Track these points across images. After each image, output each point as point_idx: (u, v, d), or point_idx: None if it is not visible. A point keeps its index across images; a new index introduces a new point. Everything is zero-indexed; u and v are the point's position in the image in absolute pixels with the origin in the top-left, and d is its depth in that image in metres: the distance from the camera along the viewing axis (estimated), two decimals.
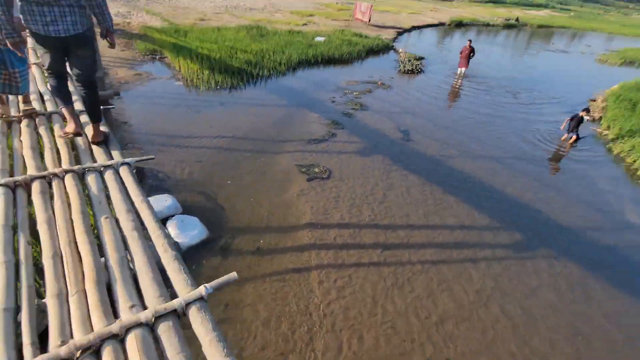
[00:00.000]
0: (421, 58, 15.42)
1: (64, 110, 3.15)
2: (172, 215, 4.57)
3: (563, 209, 5.99)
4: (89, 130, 3.24)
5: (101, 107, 3.17)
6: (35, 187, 2.34)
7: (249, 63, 10.81)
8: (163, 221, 4.48)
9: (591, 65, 19.51)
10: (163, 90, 8.72)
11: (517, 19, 35.75)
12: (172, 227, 4.35)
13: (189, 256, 4.14)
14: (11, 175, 2.45)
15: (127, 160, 2.57)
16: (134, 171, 2.96)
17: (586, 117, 8.47)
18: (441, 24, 28.65)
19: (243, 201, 5.17)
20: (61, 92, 3.03)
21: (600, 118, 10.40)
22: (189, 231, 4.34)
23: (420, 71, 13.46)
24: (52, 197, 2.35)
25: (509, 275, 4.49)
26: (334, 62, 13.30)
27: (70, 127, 3.18)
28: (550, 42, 26.57)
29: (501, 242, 5.07)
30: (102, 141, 3.24)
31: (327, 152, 6.80)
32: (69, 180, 2.44)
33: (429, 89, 11.54)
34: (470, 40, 12.85)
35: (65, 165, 2.65)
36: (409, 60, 14.23)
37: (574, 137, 8.36)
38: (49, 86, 3.21)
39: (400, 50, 16.23)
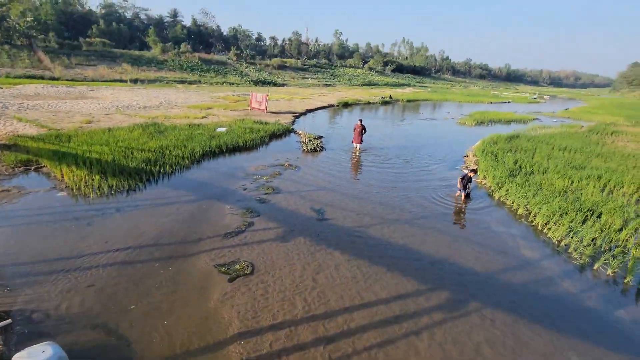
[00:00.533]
0: (320, 137, 16.70)
1: None
2: None
3: (475, 258, 6.48)
4: None
5: None
6: None
7: (148, 161, 10.17)
8: None
9: (454, 128, 23.62)
10: (41, 205, 7.45)
11: (390, 97, 42.45)
12: None
13: None
14: None
15: None
16: None
17: (474, 177, 9.73)
18: (330, 106, 32.18)
19: (154, 327, 4.31)
20: None
21: (476, 170, 12.27)
22: None
23: (322, 149, 14.43)
24: None
25: (452, 338, 4.45)
26: (239, 149, 13.44)
27: None
28: (420, 112, 31.82)
29: (434, 303, 5.11)
30: None
31: (247, 244, 6.39)
32: None
33: (333, 164, 12.31)
34: (360, 120, 14.49)
35: None
36: (310, 140, 15.25)
37: (464, 194, 9.46)
38: None
39: (300, 132, 17.40)
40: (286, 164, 11.69)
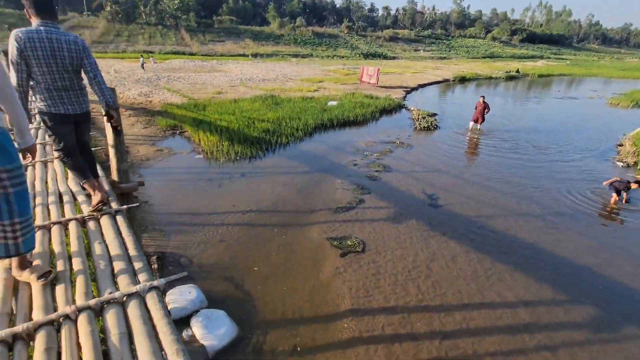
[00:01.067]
0: (434, 114, 15.57)
1: (86, 185, 3.29)
2: (197, 311, 4.05)
3: (632, 274, 5.25)
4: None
5: (125, 205, 2.91)
6: (40, 339, 1.77)
7: (267, 131, 10.91)
8: (186, 319, 3.97)
9: (603, 110, 19.43)
10: (183, 165, 8.68)
11: (517, 71, 37.00)
12: (197, 327, 3.81)
13: None
14: (11, 320, 1.98)
15: (154, 283, 2.04)
16: (163, 296, 2.44)
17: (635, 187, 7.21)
18: (445, 81, 29.71)
19: (273, 287, 4.64)
20: (78, 167, 3.27)
21: (636, 163, 9.87)
22: (216, 330, 3.79)
23: (436, 127, 13.43)
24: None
25: None
26: (349, 124, 13.44)
27: (96, 198, 3.20)
28: (556, 90, 27.00)
29: (575, 319, 4.33)
30: (101, 202, 3.17)
31: (358, 221, 6.37)
32: (82, 322, 1.88)
33: (449, 145, 11.35)
34: (483, 97, 12.92)
35: (79, 300, 2.08)
36: (423, 117, 14.33)
37: (617, 197, 7.37)
38: (67, 167, 3.33)
39: (412, 108, 16.49)
40: (397, 142, 11.23)
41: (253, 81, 22.13)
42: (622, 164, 9.90)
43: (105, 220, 2.80)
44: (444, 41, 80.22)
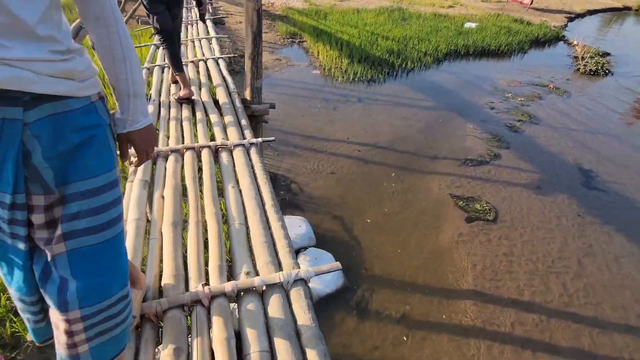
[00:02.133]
0: (606, 54, 11.93)
1: (179, 77, 3.37)
2: (305, 248, 3.83)
3: None
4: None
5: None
6: (188, 156, 2.64)
7: (391, 52, 9.57)
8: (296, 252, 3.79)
9: None
10: (300, 79, 8.19)
11: None
12: (305, 266, 3.61)
13: (320, 308, 3.35)
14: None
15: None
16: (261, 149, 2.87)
17: None
18: (626, 8, 22.48)
19: (386, 240, 4.16)
20: (175, 58, 3.29)
21: None
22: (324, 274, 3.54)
23: (608, 72, 10.29)
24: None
25: None
26: (489, 54, 11.11)
27: (184, 92, 3.41)
28: None
29: None
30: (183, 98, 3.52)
31: (490, 181, 5.29)
32: (205, 154, 2.66)
33: (624, 100, 8.63)
34: None
35: (202, 141, 2.86)
36: (591, 57, 11.06)
37: None
38: (166, 52, 3.30)
39: (576, 43, 12.84)
40: (550, 86, 8.92)
41: None
42: None
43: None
44: None
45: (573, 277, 3.89)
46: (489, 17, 14.59)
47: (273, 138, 2.80)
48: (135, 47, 5.11)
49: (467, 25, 12.99)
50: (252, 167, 2.53)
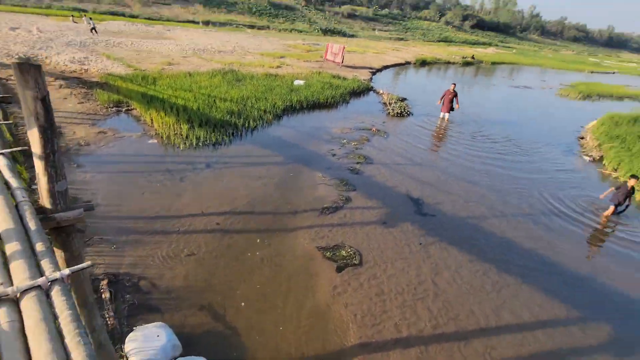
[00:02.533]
0: (404, 99, 15.12)
1: None
2: None
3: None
4: None
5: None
6: None
7: (232, 113, 9.65)
8: None
9: (555, 101, 20.39)
10: (135, 152, 7.26)
11: (472, 57, 38.01)
12: None
13: None
14: None
15: (56, 275, 1.13)
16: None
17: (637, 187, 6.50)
18: (407, 63, 29.53)
19: (264, 319, 3.80)
20: None
21: (601, 158, 10.23)
22: None
23: (409, 114, 12.98)
24: None
25: None
26: (319, 106, 12.50)
27: None
28: (511, 78, 28.04)
29: (597, 340, 4.05)
30: None
31: (348, 225, 5.64)
32: None
33: (425, 135, 10.95)
34: (454, 84, 12.55)
35: None
36: (395, 102, 13.80)
37: (613, 208, 6.76)
38: None
39: (382, 92, 15.89)
40: (373, 129, 10.58)
41: (208, 52, 20.03)
42: (588, 158, 10.20)
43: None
44: (401, 22, 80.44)
45: (433, 298, 4.35)
46: (313, 75, 16.67)
47: (89, 264, 1.68)
48: None
49: (296, 82, 14.46)
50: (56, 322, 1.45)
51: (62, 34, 19.54)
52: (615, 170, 9.23)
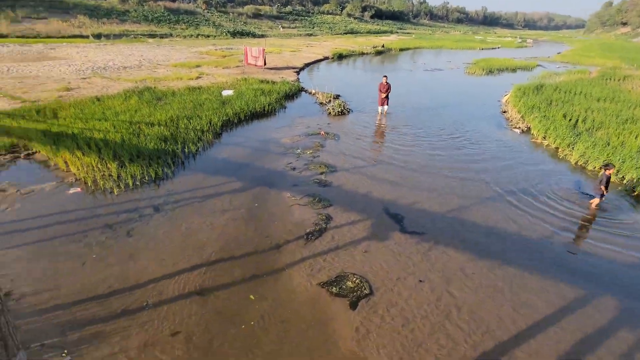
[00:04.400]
0: (337, 96, 14.96)
1: None
2: None
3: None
4: None
5: None
6: None
7: (164, 139, 8.36)
8: None
9: (466, 79, 22.19)
10: (53, 209, 5.74)
11: (383, 46, 39.87)
12: None
13: None
14: None
15: None
16: None
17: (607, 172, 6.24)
18: (325, 58, 29.71)
19: None
20: None
21: (529, 129, 11.17)
22: None
23: (349, 111, 12.81)
24: None
25: None
26: (257, 116, 11.66)
27: None
28: (422, 62, 29.92)
29: (610, 314, 4.15)
30: None
31: (340, 248, 5.11)
32: None
33: (372, 131, 10.88)
34: (385, 77, 12.55)
35: None
36: (332, 100, 13.54)
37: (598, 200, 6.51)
38: None
39: (313, 91, 15.54)
40: (322, 133, 10.14)
41: (110, 70, 17.56)
42: (518, 130, 11.07)
43: None
44: (306, 18, 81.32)
45: (457, 312, 4.06)
46: (238, 82, 15.60)
47: None
48: None
49: (225, 93, 13.33)
50: None
51: None
52: (544, 138, 10.14)
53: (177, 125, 9.31)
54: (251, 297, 4.14)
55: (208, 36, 45.22)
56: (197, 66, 20.31)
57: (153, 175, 6.93)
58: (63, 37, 34.37)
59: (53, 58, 20.98)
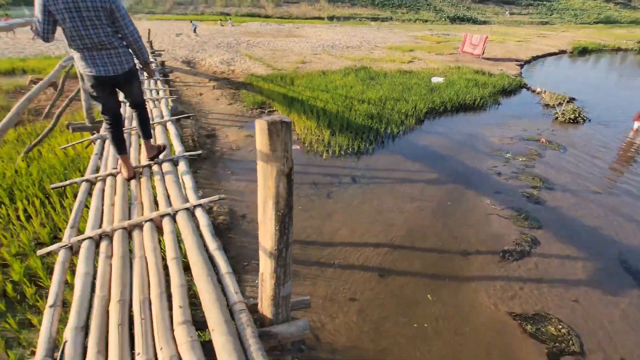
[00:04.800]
0: (572, 99, 12.17)
1: (119, 159, 3.30)
2: None
3: None
4: (143, 149, 3.69)
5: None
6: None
7: (371, 116, 8.85)
8: None
9: None
10: None
11: None
12: None
13: None
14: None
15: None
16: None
17: None
18: (561, 52, 24.66)
19: None
20: (116, 139, 3.22)
21: None
22: None
23: (586, 120, 10.24)
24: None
25: None
26: (466, 108, 10.81)
27: (124, 173, 3.27)
28: None
29: None
30: (156, 155, 3.60)
31: (545, 283, 4.22)
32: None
33: (616, 150, 8.36)
34: None
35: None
36: (559, 104, 11.11)
37: None
38: (107, 134, 3.26)
39: (539, 90, 13.15)
40: (542, 140, 8.50)
41: (336, 48, 19.81)
42: None
43: None
44: (544, 2, 68.75)
45: None
46: (450, 70, 14.83)
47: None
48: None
49: (435, 80, 12.93)
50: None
51: (213, 37, 21.79)
52: None
53: (384, 106, 9.67)
54: (429, 297, 3.95)
55: (426, 21, 44.71)
56: (411, 50, 20.45)
57: (356, 148, 7.48)
58: (307, 18, 40.95)
59: (297, 35, 25.36)
